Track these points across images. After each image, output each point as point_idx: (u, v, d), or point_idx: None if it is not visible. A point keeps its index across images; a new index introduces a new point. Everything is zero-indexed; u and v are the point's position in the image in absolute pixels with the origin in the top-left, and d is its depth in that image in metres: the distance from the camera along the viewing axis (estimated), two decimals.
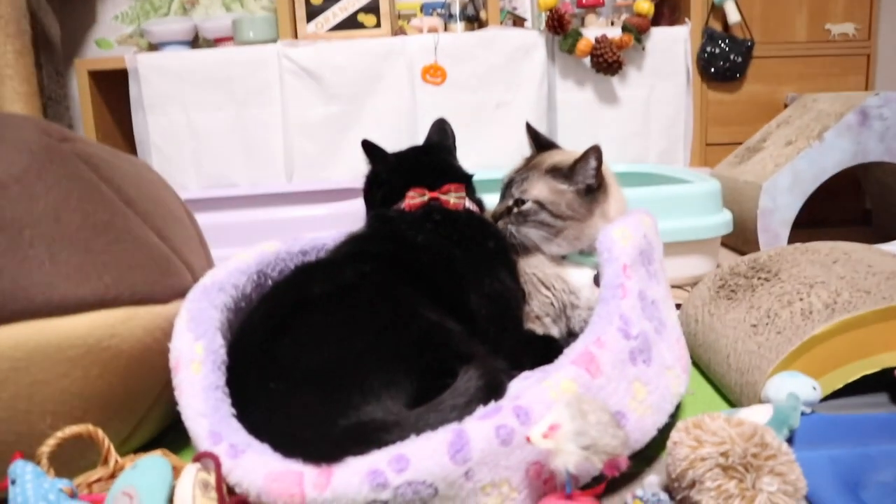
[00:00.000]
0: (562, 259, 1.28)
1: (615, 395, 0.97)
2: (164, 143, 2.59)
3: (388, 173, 1.31)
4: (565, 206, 1.25)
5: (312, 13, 2.60)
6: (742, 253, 2.08)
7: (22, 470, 0.79)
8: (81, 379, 0.96)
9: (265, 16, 2.65)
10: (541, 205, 1.25)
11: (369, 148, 1.32)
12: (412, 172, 1.30)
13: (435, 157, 1.36)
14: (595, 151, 1.23)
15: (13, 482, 0.78)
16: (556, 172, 1.27)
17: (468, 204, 1.29)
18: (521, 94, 2.56)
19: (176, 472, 0.84)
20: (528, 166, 1.33)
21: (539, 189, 1.26)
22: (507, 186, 1.33)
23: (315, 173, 2.59)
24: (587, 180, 1.25)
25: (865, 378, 1.13)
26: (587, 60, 2.55)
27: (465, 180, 1.32)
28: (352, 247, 1.23)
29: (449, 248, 1.19)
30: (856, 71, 2.75)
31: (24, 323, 0.91)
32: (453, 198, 1.27)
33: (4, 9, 2.27)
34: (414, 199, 1.26)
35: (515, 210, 1.27)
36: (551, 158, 1.31)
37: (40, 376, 0.93)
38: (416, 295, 1.06)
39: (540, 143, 1.41)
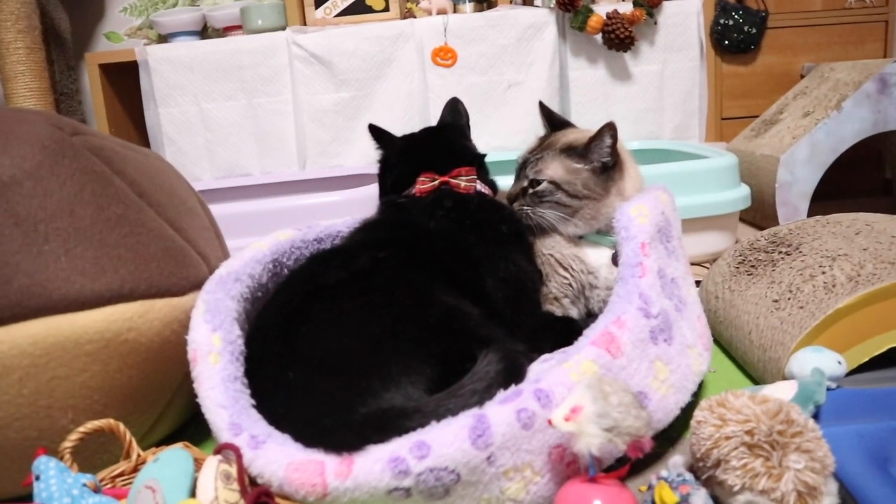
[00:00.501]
0: (579, 239, 1.27)
1: (637, 375, 0.96)
2: (177, 134, 2.59)
3: (397, 158, 1.30)
4: (581, 186, 1.23)
5: None
6: (761, 228, 2.06)
7: (45, 465, 0.79)
8: (101, 373, 0.96)
9: (273, 3, 2.63)
10: (556, 185, 1.24)
11: (376, 132, 1.31)
12: (421, 157, 1.29)
13: (444, 139, 1.35)
14: (610, 129, 1.21)
15: (37, 478, 0.79)
16: (571, 151, 1.25)
17: (479, 187, 1.28)
18: (533, 73, 2.53)
19: (197, 464, 0.84)
20: (542, 146, 1.31)
21: (554, 169, 1.25)
22: (522, 167, 1.31)
23: (328, 160, 2.58)
24: (602, 158, 1.23)
25: (892, 351, 1.11)
26: (599, 37, 2.51)
27: (475, 162, 1.31)
28: (365, 234, 1.22)
29: (462, 234, 1.18)
30: (873, 38, 2.70)
31: (42, 319, 0.92)
32: (464, 181, 1.26)
33: (14, 5, 2.27)
34: (424, 184, 1.25)
35: (531, 191, 1.26)
36: (565, 137, 1.30)
37: (60, 372, 0.93)
38: (432, 279, 1.06)
39: (554, 122, 1.39)
